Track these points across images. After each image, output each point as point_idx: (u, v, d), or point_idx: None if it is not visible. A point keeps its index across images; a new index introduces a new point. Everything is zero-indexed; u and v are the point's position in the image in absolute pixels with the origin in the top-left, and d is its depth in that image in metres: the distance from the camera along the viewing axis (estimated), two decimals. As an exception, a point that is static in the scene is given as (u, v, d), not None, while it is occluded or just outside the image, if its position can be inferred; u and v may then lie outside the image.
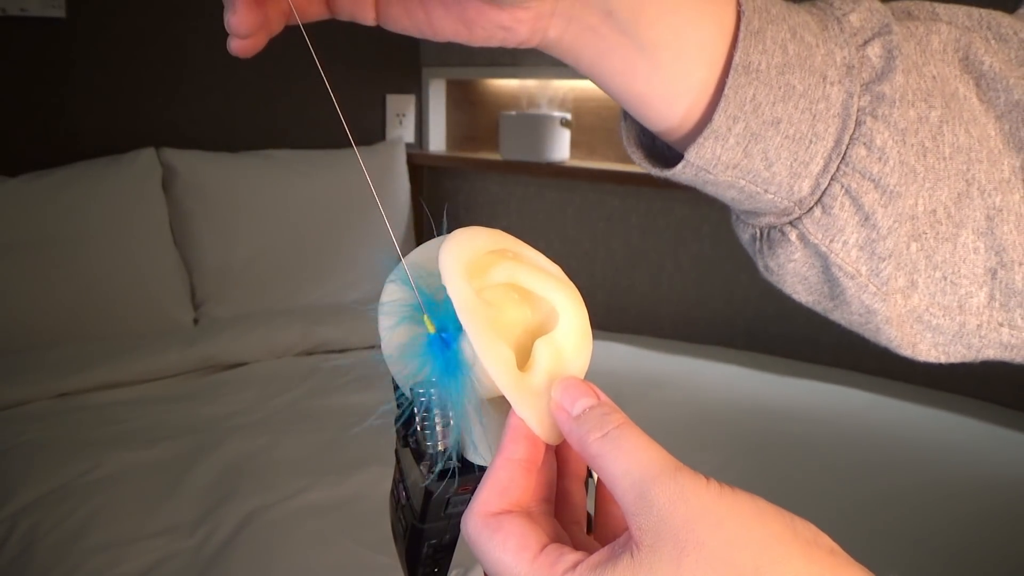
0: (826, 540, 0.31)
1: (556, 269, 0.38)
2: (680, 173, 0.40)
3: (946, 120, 0.40)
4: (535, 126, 2.33)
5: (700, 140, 0.38)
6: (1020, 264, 0.43)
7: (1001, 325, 0.44)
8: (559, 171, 2.35)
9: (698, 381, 1.82)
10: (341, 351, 2.01)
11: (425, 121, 2.67)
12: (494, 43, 0.38)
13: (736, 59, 0.37)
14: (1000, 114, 0.43)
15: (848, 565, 0.30)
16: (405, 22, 0.38)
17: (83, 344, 1.86)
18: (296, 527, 1.24)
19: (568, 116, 2.34)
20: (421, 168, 2.68)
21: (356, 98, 2.55)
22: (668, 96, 0.39)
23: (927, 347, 0.45)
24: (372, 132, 2.60)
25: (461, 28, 0.37)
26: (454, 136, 2.71)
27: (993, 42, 0.44)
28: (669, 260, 2.28)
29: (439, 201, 2.73)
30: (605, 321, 2.36)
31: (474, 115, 2.66)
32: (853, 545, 0.32)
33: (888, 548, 1.20)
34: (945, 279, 0.43)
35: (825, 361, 1.97)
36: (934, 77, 0.41)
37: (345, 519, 1.26)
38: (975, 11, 0.44)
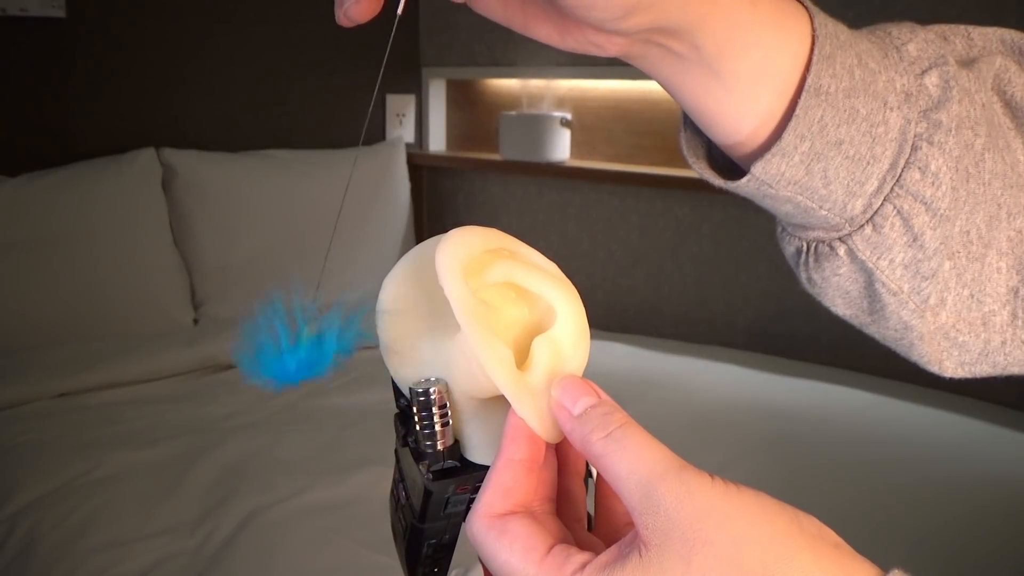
0: (831, 534, 0.31)
1: (552, 267, 0.38)
2: (743, 186, 0.41)
3: (987, 148, 0.42)
4: (535, 126, 2.33)
5: (767, 156, 0.39)
6: None
7: None
8: (559, 171, 2.35)
9: (698, 381, 1.82)
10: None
11: (425, 121, 2.67)
12: (580, 51, 0.39)
13: (809, 82, 0.38)
14: None
15: (853, 559, 0.30)
16: (498, 12, 0.39)
17: (83, 344, 1.85)
18: (296, 527, 1.24)
19: (568, 116, 2.34)
20: (421, 168, 2.68)
21: (356, 98, 2.55)
22: (738, 116, 0.40)
23: (953, 365, 0.46)
24: (372, 132, 2.60)
25: (554, 34, 0.38)
26: (454, 136, 2.71)
27: None
28: (669, 260, 2.28)
29: (439, 201, 2.73)
30: (605, 321, 2.36)
31: (474, 115, 2.66)
32: (854, 544, 0.32)
33: (888, 547, 1.19)
34: (972, 296, 0.44)
35: (825, 361, 1.96)
36: (983, 105, 0.42)
37: (345, 519, 1.26)
38: (1008, 35, 0.46)
